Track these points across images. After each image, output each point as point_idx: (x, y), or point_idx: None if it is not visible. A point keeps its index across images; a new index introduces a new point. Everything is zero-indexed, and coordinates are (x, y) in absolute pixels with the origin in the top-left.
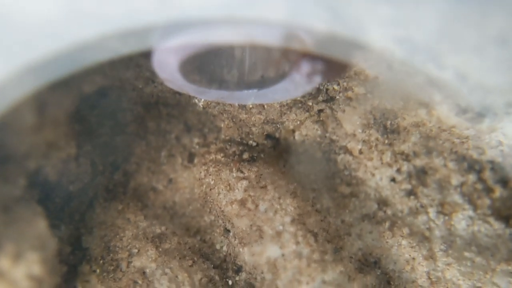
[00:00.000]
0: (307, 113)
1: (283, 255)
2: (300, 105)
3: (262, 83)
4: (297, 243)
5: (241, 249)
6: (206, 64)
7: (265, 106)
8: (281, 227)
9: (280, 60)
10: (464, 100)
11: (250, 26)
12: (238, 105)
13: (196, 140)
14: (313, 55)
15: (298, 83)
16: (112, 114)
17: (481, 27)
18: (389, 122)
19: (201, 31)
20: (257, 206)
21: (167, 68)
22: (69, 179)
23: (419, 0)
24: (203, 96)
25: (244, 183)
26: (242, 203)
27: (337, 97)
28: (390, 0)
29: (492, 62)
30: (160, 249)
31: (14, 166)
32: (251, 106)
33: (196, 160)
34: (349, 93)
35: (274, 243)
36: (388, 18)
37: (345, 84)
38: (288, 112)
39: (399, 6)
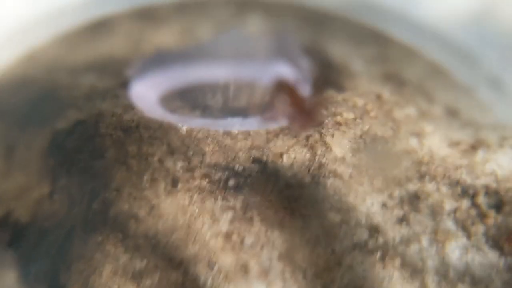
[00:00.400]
0: (295, 139)
1: None
2: (287, 131)
3: (248, 110)
4: (285, 280)
5: (226, 285)
6: (188, 90)
7: (251, 133)
8: (268, 263)
9: (264, 94)
10: (456, 134)
11: (234, 65)
12: (223, 130)
13: (180, 163)
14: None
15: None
16: (89, 139)
17: (474, 68)
18: (380, 147)
19: (182, 70)
20: (242, 240)
21: (146, 100)
22: (43, 217)
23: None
24: (186, 124)
25: (230, 213)
26: (227, 236)
27: (326, 121)
28: (377, 40)
29: (484, 102)
30: (141, 286)
31: None
32: (236, 132)
33: (180, 186)
34: (338, 118)
35: (260, 281)
36: (375, 56)
37: (333, 109)
38: (275, 138)
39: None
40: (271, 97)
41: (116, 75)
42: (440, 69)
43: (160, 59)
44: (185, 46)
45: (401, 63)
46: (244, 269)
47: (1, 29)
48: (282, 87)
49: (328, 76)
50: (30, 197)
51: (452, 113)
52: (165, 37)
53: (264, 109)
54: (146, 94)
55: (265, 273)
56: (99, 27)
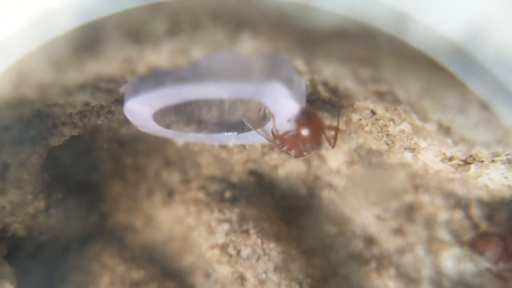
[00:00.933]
0: None
1: None
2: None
3: (243, 125)
4: None
5: None
6: (183, 104)
7: (247, 146)
8: (264, 276)
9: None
10: (450, 149)
11: (229, 83)
12: (219, 145)
13: (176, 175)
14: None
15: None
16: (85, 153)
17: (464, 90)
18: (374, 159)
19: (176, 88)
20: (238, 252)
21: (140, 116)
22: (40, 231)
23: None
24: (181, 138)
25: (226, 226)
26: (223, 248)
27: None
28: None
29: (476, 121)
30: None
31: None
32: (232, 146)
33: (176, 197)
34: (333, 132)
35: None
36: (369, 77)
37: (328, 123)
38: (270, 152)
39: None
40: (295, 128)
41: (110, 93)
42: (431, 91)
43: (154, 77)
44: (178, 66)
45: (394, 84)
46: (240, 281)
47: None
48: (309, 118)
49: (322, 94)
50: (25, 213)
51: (445, 131)
52: (157, 57)
53: (284, 140)
54: (140, 110)
55: (261, 285)
56: (89, 47)
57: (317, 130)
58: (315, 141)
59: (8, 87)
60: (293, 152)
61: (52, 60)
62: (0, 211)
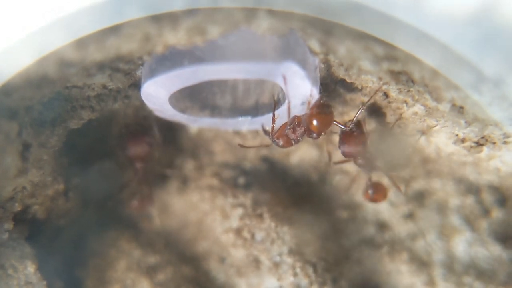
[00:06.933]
0: None
1: (281, 287)
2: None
3: (257, 110)
4: (295, 274)
5: (237, 280)
6: (197, 90)
7: (260, 132)
8: (278, 258)
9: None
10: (462, 131)
11: (244, 63)
12: (233, 130)
13: (190, 162)
14: None
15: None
16: (102, 139)
17: (478, 67)
18: (385, 145)
19: (193, 68)
20: (253, 235)
21: (156, 100)
22: (59, 214)
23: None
24: (195, 123)
25: (240, 210)
26: (238, 232)
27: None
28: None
29: (489, 99)
30: (155, 281)
31: None
32: (245, 131)
33: (190, 184)
34: (345, 118)
35: (271, 275)
36: (383, 56)
37: (340, 109)
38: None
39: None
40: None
41: (127, 75)
42: (446, 69)
43: (170, 59)
44: (195, 45)
45: (408, 64)
46: (255, 264)
47: (17, 28)
48: (324, 110)
49: (336, 75)
50: (45, 195)
51: (458, 110)
52: (175, 36)
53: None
54: (157, 93)
55: (276, 267)
56: (109, 28)
57: (326, 124)
58: (317, 132)
59: (32, 66)
60: (280, 142)
61: (75, 34)
62: (21, 192)
